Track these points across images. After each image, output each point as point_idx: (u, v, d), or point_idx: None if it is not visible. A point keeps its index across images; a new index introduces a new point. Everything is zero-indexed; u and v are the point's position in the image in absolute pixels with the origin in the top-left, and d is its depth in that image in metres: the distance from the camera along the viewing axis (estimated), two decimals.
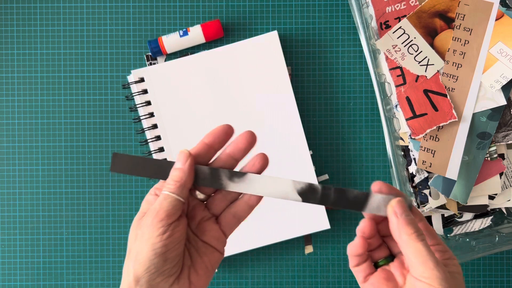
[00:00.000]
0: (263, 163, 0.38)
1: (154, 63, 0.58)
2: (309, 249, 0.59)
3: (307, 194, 0.36)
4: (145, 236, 0.35)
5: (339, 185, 0.59)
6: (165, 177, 0.36)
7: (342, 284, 0.59)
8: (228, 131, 0.37)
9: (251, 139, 0.37)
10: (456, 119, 0.53)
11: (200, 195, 0.39)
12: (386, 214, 0.36)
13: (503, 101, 0.53)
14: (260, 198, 0.38)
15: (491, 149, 0.54)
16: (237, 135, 0.37)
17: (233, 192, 0.38)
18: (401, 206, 0.35)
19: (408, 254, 0.34)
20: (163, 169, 0.37)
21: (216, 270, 0.59)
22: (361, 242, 0.37)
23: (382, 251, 0.39)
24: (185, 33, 0.57)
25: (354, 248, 0.37)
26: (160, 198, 0.36)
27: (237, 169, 0.38)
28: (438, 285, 0.33)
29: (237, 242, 0.57)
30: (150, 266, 0.34)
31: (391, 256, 0.39)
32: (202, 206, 0.39)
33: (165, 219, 0.35)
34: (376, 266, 0.39)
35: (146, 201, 0.38)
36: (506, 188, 0.55)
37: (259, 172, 0.37)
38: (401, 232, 0.35)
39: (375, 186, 0.37)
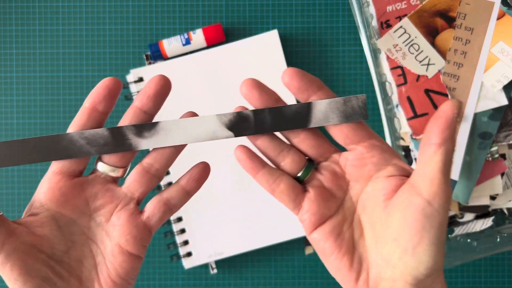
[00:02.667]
0: (202, 173, 0.31)
1: (153, 63, 0.58)
2: (309, 250, 0.59)
3: (238, 125, 0.30)
4: None
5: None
6: (53, 156, 0.30)
7: None
8: (110, 85, 0.29)
9: (163, 82, 0.30)
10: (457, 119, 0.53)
11: (113, 171, 0.31)
12: (338, 122, 0.30)
13: (504, 101, 0.53)
14: (201, 180, 0.32)
15: (493, 149, 0.54)
16: (146, 83, 0.31)
17: (155, 163, 0.31)
18: (456, 107, 0.28)
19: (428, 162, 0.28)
20: (50, 147, 0.30)
21: (216, 271, 0.59)
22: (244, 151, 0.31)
23: (294, 160, 0.31)
24: (188, 42, 0.57)
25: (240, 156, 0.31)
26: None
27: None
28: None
29: (237, 243, 0.57)
30: None
31: (311, 162, 0.31)
32: (115, 187, 0.31)
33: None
34: (300, 182, 0.31)
35: None
36: (508, 188, 0.55)
37: (199, 186, 0.32)
38: (438, 137, 0.27)
39: (285, 75, 0.30)
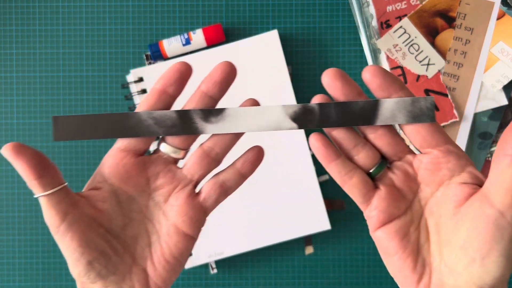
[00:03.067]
0: (257, 156, 0.32)
1: (153, 63, 0.58)
2: (309, 249, 0.59)
3: (303, 118, 0.30)
4: None
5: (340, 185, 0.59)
6: (121, 133, 0.30)
7: (343, 285, 0.59)
8: (182, 69, 0.31)
9: (229, 69, 0.30)
10: (457, 119, 0.53)
11: (175, 152, 0.31)
12: (405, 122, 0.30)
13: (504, 101, 0.53)
14: (256, 163, 0.32)
15: (492, 149, 0.54)
16: (212, 68, 0.31)
17: (215, 146, 0.31)
18: None
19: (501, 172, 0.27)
20: (118, 123, 0.30)
21: (216, 271, 0.59)
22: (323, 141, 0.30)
23: (368, 155, 0.31)
24: (188, 42, 0.57)
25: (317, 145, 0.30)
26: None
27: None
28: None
29: (237, 243, 0.57)
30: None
31: (384, 160, 0.31)
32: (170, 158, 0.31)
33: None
34: (371, 178, 0.31)
35: None
36: None
37: (253, 169, 0.32)
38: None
39: (367, 73, 0.29)
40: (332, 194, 0.59)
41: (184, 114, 0.30)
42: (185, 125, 0.30)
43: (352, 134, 0.30)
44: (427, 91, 0.54)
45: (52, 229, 0.29)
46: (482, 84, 0.53)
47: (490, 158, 0.54)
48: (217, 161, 0.32)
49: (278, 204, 0.57)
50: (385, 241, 0.30)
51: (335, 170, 0.30)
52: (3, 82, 0.59)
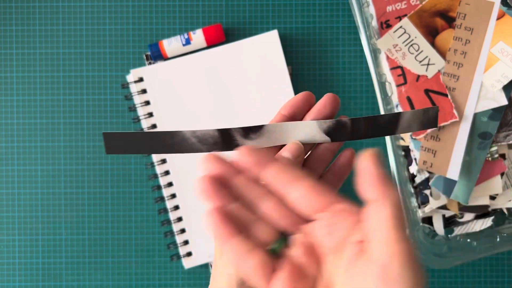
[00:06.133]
0: (351, 158, 0.34)
1: (153, 63, 0.58)
2: None
3: (336, 132, 0.33)
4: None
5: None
6: (166, 150, 0.32)
7: None
8: (309, 99, 0.33)
9: (336, 103, 0.33)
10: (457, 119, 0.53)
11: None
12: (416, 130, 0.33)
13: (504, 101, 0.53)
14: (351, 165, 0.34)
15: (492, 149, 0.54)
16: (318, 101, 0.33)
17: (318, 166, 0.33)
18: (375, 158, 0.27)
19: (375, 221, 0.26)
20: (163, 141, 0.32)
21: None
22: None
23: (267, 230, 0.29)
24: (188, 42, 0.57)
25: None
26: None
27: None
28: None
29: None
30: None
31: (284, 237, 0.29)
32: None
33: None
34: (273, 253, 0.29)
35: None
36: (507, 188, 0.55)
37: (349, 169, 0.34)
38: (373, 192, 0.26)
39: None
40: None
41: (225, 132, 0.32)
42: (227, 143, 0.32)
43: (244, 212, 0.28)
44: (427, 91, 0.54)
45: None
46: (482, 84, 0.53)
47: (490, 158, 0.54)
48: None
49: None
50: None
51: (231, 250, 0.28)
52: (3, 82, 0.59)
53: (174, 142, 0.32)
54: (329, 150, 0.34)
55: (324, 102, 0.33)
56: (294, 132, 0.33)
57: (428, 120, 0.33)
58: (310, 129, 0.33)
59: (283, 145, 0.33)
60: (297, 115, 0.33)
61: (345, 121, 0.33)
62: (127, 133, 0.32)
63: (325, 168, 0.34)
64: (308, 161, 0.34)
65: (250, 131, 0.32)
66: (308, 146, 0.34)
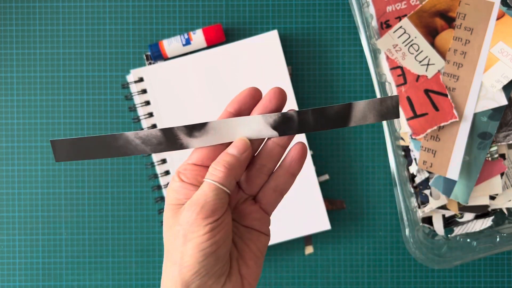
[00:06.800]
0: (302, 153, 0.33)
1: (153, 63, 0.58)
2: (309, 249, 0.59)
3: (283, 125, 0.32)
4: (189, 236, 0.30)
5: (340, 185, 0.59)
6: (112, 153, 0.32)
7: (342, 285, 0.59)
8: (255, 95, 0.33)
9: (282, 96, 0.32)
10: (457, 119, 0.53)
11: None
12: (373, 121, 0.32)
13: (504, 101, 0.53)
14: (302, 160, 0.34)
15: (492, 149, 0.54)
16: (264, 96, 0.33)
17: (267, 162, 0.33)
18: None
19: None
20: (108, 145, 0.32)
21: None
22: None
23: None
24: (188, 42, 0.57)
25: None
26: (204, 188, 0.31)
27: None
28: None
29: None
30: (200, 269, 0.30)
31: None
32: (235, 186, 0.34)
33: (212, 215, 0.30)
34: None
35: (172, 190, 0.32)
36: (507, 188, 0.55)
37: (301, 166, 0.34)
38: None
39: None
40: (332, 194, 0.59)
41: (168, 132, 0.32)
42: (171, 142, 0.32)
43: None
44: (427, 91, 0.54)
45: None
46: (482, 84, 0.53)
47: (489, 158, 0.54)
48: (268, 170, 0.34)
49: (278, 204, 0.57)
50: None
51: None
52: (3, 82, 0.59)
53: (119, 145, 0.32)
54: (279, 145, 0.33)
55: (269, 97, 0.32)
56: (240, 128, 0.32)
57: (387, 109, 0.32)
58: (256, 124, 0.32)
59: (230, 143, 0.33)
60: (243, 111, 0.33)
61: (291, 113, 0.32)
62: (74, 139, 0.32)
63: (276, 164, 0.34)
64: (258, 158, 0.33)
65: (194, 129, 0.32)
66: (257, 142, 0.33)
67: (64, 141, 0.32)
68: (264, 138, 0.33)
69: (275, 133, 0.32)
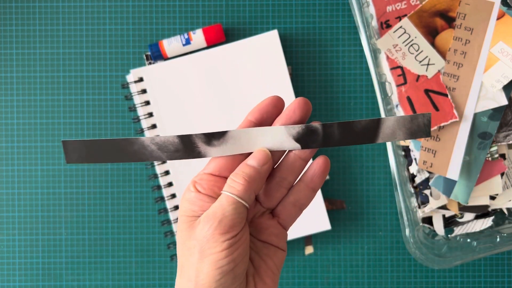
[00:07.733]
0: (324, 168, 0.32)
1: (153, 63, 0.58)
2: (309, 249, 0.59)
3: (306, 138, 0.31)
4: (205, 252, 0.28)
5: (340, 185, 0.59)
6: (125, 158, 0.31)
7: (343, 285, 0.59)
8: (277, 104, 0.31)
9: (306, 108, 0.31)
10: (457, 119, 0.53)
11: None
12: (403, 139, 0.30)
13: (504, 101, 0.53)
14: (324, 175, 0.32)
15: (492, 149, 0.54)
16: (287, 106, 0.31)
17: (288, 176, 0.32)
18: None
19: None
20: (122, 149, 0.31)
21: None
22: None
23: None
24: (188, 42, 0.57)
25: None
26: (221, 202, 0.29)
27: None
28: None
29: None
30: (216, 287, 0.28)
31: None
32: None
33: (230, 231, 0.28)
34: None
35: (187, 201, 0.30)
36: (507, 188, 0.55)
37: (322, 181, 0.33)
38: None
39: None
40: (332, 194, 0.59)
41: (186, 139, 0.31)
42: (188, 150, 0.31)
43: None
44: (427, 91, 0.54)
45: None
46: (482, 84, 0.53)
47: (490, 158, 0.54)
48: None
49: None
50: None
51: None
52: (3, 82, 0.59)
53: (133, 150, 0.31)
54: (300, 158, 0.32)
55: (293, 107, 0.31)
56: (261, 139, 0.30)
57: (418, 127, 0.30)
58: (278, 135, 0.30)
59: (250, 153, 0.31)
60: (264, 120, 0.31)
61: (316, 126, 0.30)
62: (86, 141, 0.31)
63: (296, 177, 0.33)
64: (278, 170, 0.32)
65: (213, 138, 0.30)
66: (278, 154, 0.32)
67: (76, 142, 0.31)
68: (285, 150, 0.32)
69: (297, 145, 0.31)
